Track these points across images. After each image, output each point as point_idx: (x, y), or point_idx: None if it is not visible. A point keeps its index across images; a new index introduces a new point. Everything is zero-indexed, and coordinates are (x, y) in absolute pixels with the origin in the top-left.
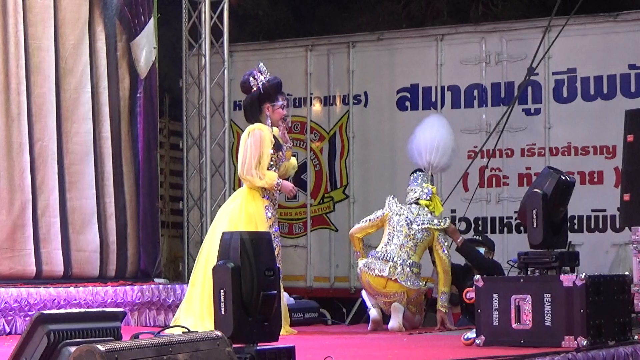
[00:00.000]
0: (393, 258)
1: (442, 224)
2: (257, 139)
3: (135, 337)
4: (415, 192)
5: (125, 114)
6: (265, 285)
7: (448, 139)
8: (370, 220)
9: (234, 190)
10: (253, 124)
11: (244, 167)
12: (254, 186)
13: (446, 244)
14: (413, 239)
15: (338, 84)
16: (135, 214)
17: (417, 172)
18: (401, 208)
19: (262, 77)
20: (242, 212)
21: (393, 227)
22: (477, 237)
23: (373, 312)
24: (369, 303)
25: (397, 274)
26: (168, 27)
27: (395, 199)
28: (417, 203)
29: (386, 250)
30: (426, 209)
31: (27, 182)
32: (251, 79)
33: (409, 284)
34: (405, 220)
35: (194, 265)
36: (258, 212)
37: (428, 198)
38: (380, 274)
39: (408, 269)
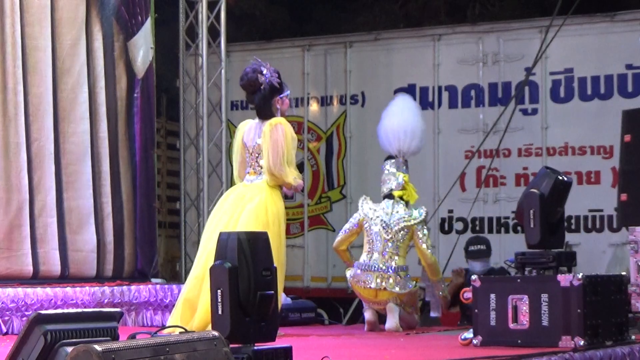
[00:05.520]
0: (378, 267)
1: (419, 216)
2: (290, 134)
3: (132, 337)
4: (389, 183)
5: (123, 114)
6: (263, 285)
7: (416, 121)
8: (347, 230)
9: None
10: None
11: (277, 160)
12: (277, 183)
13: (426, 233)
14: (393, 241)
15: (335, 84)
16: (132, 214)
17: (389, 160)
18: (375, 210)
19: (266, 72)
20: (269, 213)
21: (371, 234)
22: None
23: (368, 314)
24: (366, 304)
25: (385, 283)
26: (165, 27)
27: (367, 200)
28: (390, 196)
29: (369, 260)
30: (400, 201)
31: (24, 182)
32: (259, 76)
33: (398, 289)
34: (382, 224)
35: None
36: (283, 210)
37: (400, 188)
38: (368, 286)
39: (395, 274)
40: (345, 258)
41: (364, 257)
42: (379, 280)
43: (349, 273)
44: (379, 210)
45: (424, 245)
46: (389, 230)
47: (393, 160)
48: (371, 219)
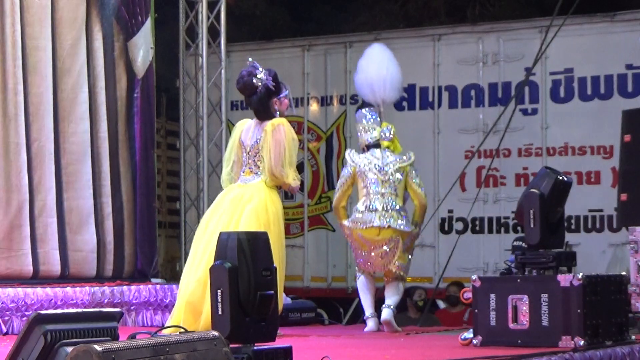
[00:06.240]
0: (379, 207)
1: (409, 158)
2: (291, 135)
3: (132, 337)
4: (374, 131)
5: (123, 114)
6: (263, 285)
7: (397, 71)
8: (342, 183)
9: None
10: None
11: (278, 161)
12: (277, 184)
13: (418, 175)
14: (390, 183)
15: (335, 84)
16: (132, 214)
17: (367, 109)
18: (365, 158)
19: (261, 75)
20: (269, 213)
21: (367, 180)
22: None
23: (370, 324)
24: (367, 311)
25: (388, 219)
26: (165, 27)
27: (354, 151)
28: (376, 145)
29: (369, 202)
30: (387, 150)
31: (24, 182)
32: (254, 79)
33: (401, 226)
34: (376, 168)
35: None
36: (282, 210)
37: (390, 139)
38: (370, 225)
39: (396, 212)
40: (344, 217)
41: (362, 202)
42: (381, 218)
43: (346, 221)
44: (369, 157)
45: (418, 186)
46: (385, 173)
47: (371, 109)
48: (363, 165)
